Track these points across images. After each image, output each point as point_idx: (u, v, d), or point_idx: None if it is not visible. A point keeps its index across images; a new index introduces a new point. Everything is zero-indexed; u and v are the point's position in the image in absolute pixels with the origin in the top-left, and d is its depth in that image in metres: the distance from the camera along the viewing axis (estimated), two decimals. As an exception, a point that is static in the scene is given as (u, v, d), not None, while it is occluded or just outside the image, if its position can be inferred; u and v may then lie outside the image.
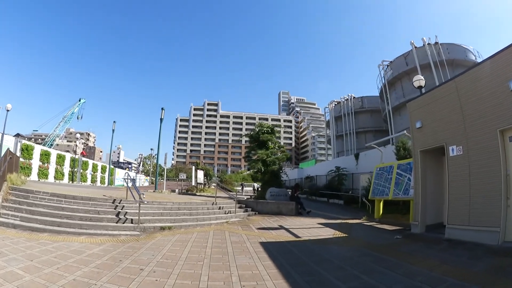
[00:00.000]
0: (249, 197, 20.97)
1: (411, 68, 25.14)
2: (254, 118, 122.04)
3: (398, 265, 5.31)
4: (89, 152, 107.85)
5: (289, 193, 16.24)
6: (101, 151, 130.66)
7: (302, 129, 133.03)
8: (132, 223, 8.49)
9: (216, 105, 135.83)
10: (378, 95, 34.29)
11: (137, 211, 8.64)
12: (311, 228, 9.80)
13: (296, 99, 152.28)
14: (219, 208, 12.28)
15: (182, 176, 26.44)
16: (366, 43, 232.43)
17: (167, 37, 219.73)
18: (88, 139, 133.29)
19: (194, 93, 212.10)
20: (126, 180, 12.61)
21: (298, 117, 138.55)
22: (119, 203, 9.78)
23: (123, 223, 8.42)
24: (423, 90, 14.08)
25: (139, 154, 66.80)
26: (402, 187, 10.68)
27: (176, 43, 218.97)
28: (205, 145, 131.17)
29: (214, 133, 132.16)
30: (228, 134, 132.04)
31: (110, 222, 8.31)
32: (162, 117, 22.17)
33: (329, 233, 8.95)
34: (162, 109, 22.26)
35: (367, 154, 22.13)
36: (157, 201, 11.21)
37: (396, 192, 10.92)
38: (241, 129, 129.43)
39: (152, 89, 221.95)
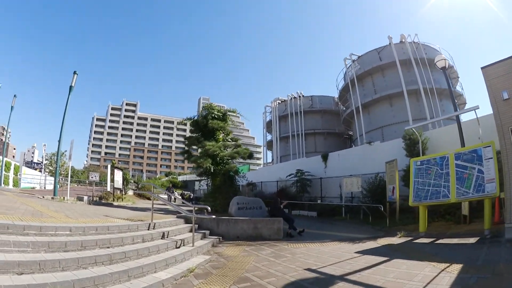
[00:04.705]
0: (198, 209, 15.21)
1: (387, 63, 23.96)
2: (173, 122, 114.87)
3: None
4: (2, 148, 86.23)
5: (263, 204, 11.37)
6: (14, 149, 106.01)
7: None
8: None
9: (135, 105, 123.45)
10: (330, 95, 32.28)
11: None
12: (374, 267, 5.18)
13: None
14: (163, 237, 6.52)
15: (94, 177, 18.24)
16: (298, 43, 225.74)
17: (87, 30, 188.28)
18: (3, 134, 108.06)
19: (113, 92, 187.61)
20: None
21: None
22: None
23: None
24: (447, 72, 11.51)
25: (43, 145, 46.33)
26: (471, 183, 7.49)
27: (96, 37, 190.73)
28: (120, 148, 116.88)
29: (131, 136, 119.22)
30: (144, 138, 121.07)
31: None
32: (73, 84, 15.10)
33: (442, 280, 4.33)
34: (74, 73, 15.28)
35: (340, 154, 18.72)
36: (36, 225, 4.89)
37: (463, 190, 7.66)
38: (158, 133, 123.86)
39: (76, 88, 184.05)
